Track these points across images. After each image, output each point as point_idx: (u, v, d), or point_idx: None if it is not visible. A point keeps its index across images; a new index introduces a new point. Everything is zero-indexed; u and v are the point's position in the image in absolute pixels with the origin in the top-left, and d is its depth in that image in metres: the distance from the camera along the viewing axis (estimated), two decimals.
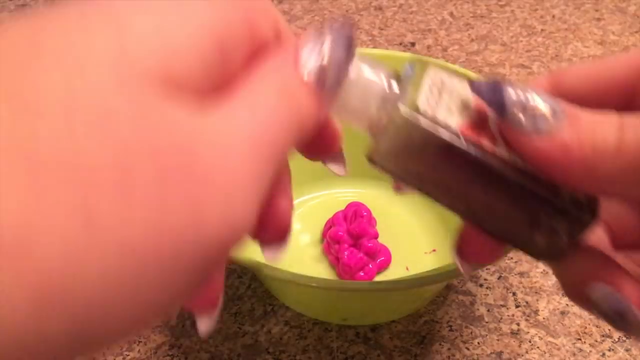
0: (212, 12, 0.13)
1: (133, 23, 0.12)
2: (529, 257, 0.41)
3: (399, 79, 0.18)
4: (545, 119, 0.16)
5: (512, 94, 0.16)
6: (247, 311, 0.37)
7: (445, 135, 0.17)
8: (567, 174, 0.16)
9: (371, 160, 0.18)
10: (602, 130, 0.16)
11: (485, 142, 0.17)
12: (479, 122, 0.17)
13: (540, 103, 0.16)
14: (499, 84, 0.17)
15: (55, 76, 0.10)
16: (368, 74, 0.17)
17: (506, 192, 0.17)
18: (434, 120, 0.17)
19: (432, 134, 0.17)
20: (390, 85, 0.18)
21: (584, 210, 0.17)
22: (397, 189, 0.20)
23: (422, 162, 0.18)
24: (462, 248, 0.20)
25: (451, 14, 0.75)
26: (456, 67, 0.42)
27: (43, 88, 0.10)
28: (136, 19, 0.12)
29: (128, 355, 0.35)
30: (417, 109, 0.17)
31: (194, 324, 0.36)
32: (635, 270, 0.19)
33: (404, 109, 0.17)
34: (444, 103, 0.17)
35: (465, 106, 0.18)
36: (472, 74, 0.40)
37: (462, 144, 0.17)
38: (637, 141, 0.15)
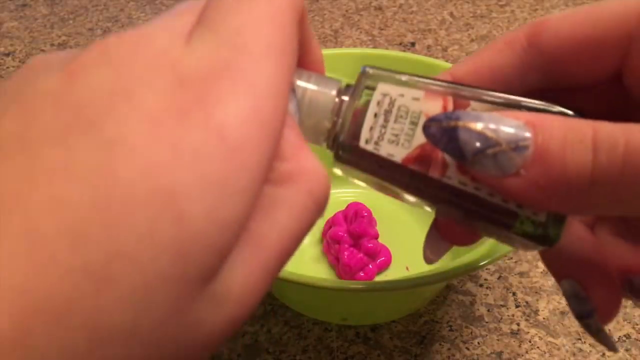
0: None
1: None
2: (529, 257, 0.41)
3: (348, 92, 0.17)
4: (508, 158, 0.14)
5: (468, 138, 0.15)
6: None
7: (386, 167, 0.17)
8: (540, 207, 0.15)
9: (338, 169, 0.19)
10: (573, 158, 0.14)
11: (434, 170, 0.16)
12: (428, 146, 0.16)
13: (499, 139, 0.14)
14: (453, 128, 0.15)
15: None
16: (318, 89, 0.17)
17: (460, 213, 0.17)
18: (375, 155, 0.17)
19: (374, 166, 0.17)
20: (338, 105, 0.17)
21: (544, 231, 0.16)
22: None
23: (373, 182, 0.18)
24: (444, 226, 0.20)
25: (451, 14, 0.75)
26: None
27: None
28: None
29: None
30: (357, 142, 0.17)
31: None
32: (616, 246, 0.19)
33: (344, 144, 0.17)
34: (389, 131, 0.17)
35: (414, 129, 0.17)
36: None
37: (404, 175, 0.17)
38: (610, 167, 0.13)
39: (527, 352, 0.35)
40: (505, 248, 0.28)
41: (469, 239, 0.19)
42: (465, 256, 0.31)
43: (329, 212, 0.41)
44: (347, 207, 0.41)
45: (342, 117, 0.17)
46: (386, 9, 0.76)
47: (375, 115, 0.17)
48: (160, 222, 0.10)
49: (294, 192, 0.13)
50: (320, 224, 0.41)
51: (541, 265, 0.40)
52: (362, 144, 0.17)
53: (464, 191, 0.16)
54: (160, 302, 0.11)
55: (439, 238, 0.20)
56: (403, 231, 0.41)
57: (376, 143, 0.17)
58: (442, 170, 0.16)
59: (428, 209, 0.19)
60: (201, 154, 0.11)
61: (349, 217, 0.40)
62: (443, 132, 0.15)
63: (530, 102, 0.16)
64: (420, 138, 0.16)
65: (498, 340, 0.36)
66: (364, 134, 0.17)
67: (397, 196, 0.19)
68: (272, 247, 0.13)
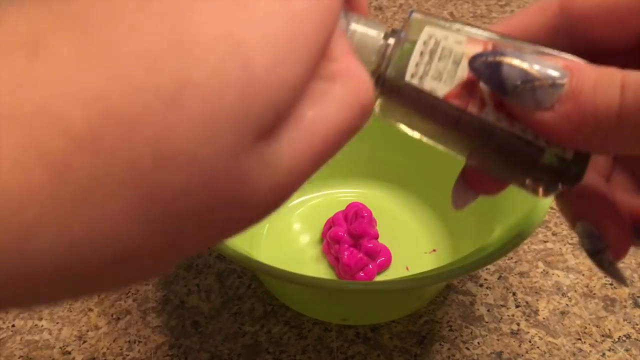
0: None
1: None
2: (529, 257, 0.41)
3: (395, 35, 0.19)
4: (545, 93, 0.16)
5: (510, 72, 0.17)
6: (247, 311, 0.37)
7: (428, 103, 0.18)
8: (570, 142, 0.17)
9: (379, 115, 0.20)
10: (603, 96, 0.16)
11: (472, 107, 0.18)
12: (468, 85, 0.18)
13: (538, 75, 0.16)
14: (497, 62, 0.17)
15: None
16: (366, 31, 0.19)
17: (492, 151, 0.19)
18: (419, 89, 0.18)
19: (417, 103, 0.18)
20: (384, 47, 0.19)
21: (569, 168, 0.18)
22: None
23: (412, 121, 0.19)
24: (471, 176, 0.21)
25: (451, 14, 0.75)
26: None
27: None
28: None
29: (128, 355, 0.35)
30: (402, 79, 0.18)
31: (194, 324, 0.37)
32: (627, 197, 0.21)
33: (390, 78, 0.18)
34: (433, 68, 0.18)
35: (456, 69, 0.18)
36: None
37: (445, 111, 0.18)
38: (635, 105, 0.15)
39: (527, 352, 0.35)
40: (505, 249, 0.28)
41: (494, 188, 0.21)
42: (465, 256, 0.31)
43: (329, 212, 0.41)
44: (347, 207, 0.41)
45: (388, 55, 0.19)
46: (386, 9, 0.76)
47: (421, 53, 0.18)
48: (228, 63, 0.12)
49: (342, 88, 0.15)
50: (320, 224, 0.41)
51: (541, 265, 0.40)
52: (407, 78, 0.18)
53: (499, 127, 0.18)
54: (220, 137, 0.12)
55: (466, 188, 0.21)
56: (403, 231, 0.41)
57: (421, 78, 0.18)
58: (480, 107, 0.18)
59: (458, 155, 0.20)
60: (269, 15, 0.12)
61: (349, 217, 0.40)
62: (487, 66, 0.17)
63: (562, 54, 0.18)
64: (461, 77, 0.18)
65: (498, 340, 0.36)
66: (410, 69, 0.18)
67: (430, 139, 0.20)
68: (319, 133, 0.14)
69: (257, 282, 0.39)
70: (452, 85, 0.18)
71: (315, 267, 0.39)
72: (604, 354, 0.35)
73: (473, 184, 0.21)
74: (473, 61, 0.17)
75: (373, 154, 0.43)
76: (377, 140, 0.42)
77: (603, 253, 0.19)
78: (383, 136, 0.42)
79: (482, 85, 0.17)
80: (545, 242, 0.41)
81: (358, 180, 0.44)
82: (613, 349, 0.35)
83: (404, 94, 0.18)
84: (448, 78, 0.18)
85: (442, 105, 0.18)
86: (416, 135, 0.20)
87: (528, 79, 0.16)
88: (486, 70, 0.17)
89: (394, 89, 0.19)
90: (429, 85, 0.18)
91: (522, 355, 0.35)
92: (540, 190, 0.19)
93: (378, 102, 0.19)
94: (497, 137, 0.18)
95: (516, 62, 0.17)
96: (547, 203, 0.30)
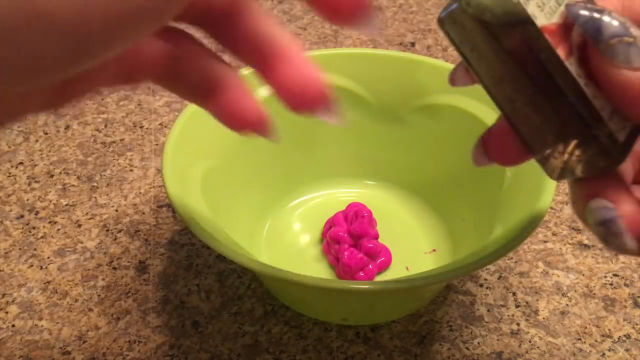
0: None
1: None
2: (529, 257, 0.41)
3: None
4: (639, 52, 0.17)
5: (609, 23, 0.17)
6: (247, 311, 0.37)
7: (524, 26, 0.18)
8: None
9: (442, 24, 0.19)
10: None
11: (560, 51, 0.18)
12: (563, 29, 0.18)
13: (636, 33, 0.17)
14: (597, 10, 0.17)
15: None
16: None
17: (554, 104, 0.18)
18: (520, 11, 0.18)
19: (513, 20, 0.18)
20: None
21: (616, 149, 0.18)
22: (452, 81, 0.21)
23: (491, 45, 0.18)
24: (488, 140, 0.21)
25: None
26: None
27: None
28: None
29: (128, 355, 0.35)
30: None
31: (194, 324, 0.37)
32: None
33: None
34: None
35: (558, 7, 0.18)
36: None
37: (536, 41, 0.18)
38: None
39: (527, 352, 0.35)
40: (505, 249, 0.28)
41: (508, 160, 0.21)
42: (465, 256, 0.31)
43: (329, 212, 0.41)
44: (347, 207, 0.41)
45: None
46: (386, 9, 0.76)
47: None
48: None
49: None
50: (320, 224, 0.41)
51: (541, 265, 0.40)
52: None
53: (573, 82, 0.18)
54: None
55: (482, 152, 0.21)
56: (403, 231, 0.41)
57: (525, 1, 0.18)
58: (568, 53, 0.18)
59: (500, 104, 0.19)
60: None
61: (349, 217, 0.40)
62: (588, 12, 0.17)
63: None
64: (560, 16, 0.18)
65: (498, 340, 0.36)
66: None
67: (485, 73, 0.19)
68: None
69: (257, 282, 0.39)
70: (550, 20, 0.18)
71: (315, 267, 0.39)
72: (604, 354, 0.35)
73: (489, 150, 0.21)
74: (574, 4, 0.18)
75: (373, 154, 0.43)
76: (377, 140, 0.42)
77: (612, 222, 0.19)
78: (383, 136, 0.42)
79: (576, 33, 0.18)
80: (545, 242, 0.42)
81: (358, 180, 0.44)
82: (613, 349, 0.35)
83: (502, 9, 0.18)
84: (549, 12, 0.18)
85: (533, 34, 0.18)
86: (468, 63, 0.19)
87: (626, 33, 0.17)
88: (586, 15, 0.17)
89: (490, 4, 0.18)
90: (531, 9, 0.18)
91: (522, 355, 0.35)
92: (569, 170, 0.19)
93: (451, 15, 0.19)
94: (565, 92, 0.18)
95: (617, 15, 0.17)
96: (547, 203, 0.30)
